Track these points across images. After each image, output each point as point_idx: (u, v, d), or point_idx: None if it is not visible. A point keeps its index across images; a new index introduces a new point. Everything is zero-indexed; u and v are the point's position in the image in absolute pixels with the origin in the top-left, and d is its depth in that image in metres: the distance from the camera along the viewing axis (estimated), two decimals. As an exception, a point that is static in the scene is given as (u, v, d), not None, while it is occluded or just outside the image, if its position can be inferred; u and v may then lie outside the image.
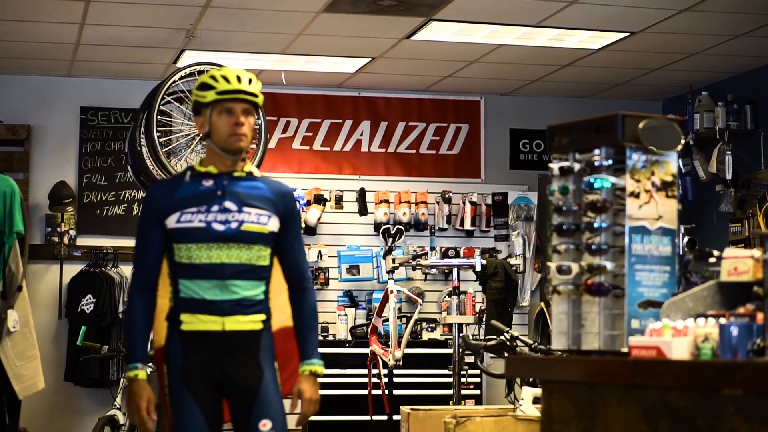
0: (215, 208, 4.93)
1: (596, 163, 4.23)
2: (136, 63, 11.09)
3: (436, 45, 10.35)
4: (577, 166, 4.32)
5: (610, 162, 4.21)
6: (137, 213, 11.69)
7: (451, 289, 10.29)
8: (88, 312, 11.25)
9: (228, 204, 4.95)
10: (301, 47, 10.49)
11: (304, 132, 12.19)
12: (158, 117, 8.99)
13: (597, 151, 4.25)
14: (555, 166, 4.40)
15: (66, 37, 10.13)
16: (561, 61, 11.00)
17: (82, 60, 10.99)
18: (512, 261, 11.48)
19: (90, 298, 11.28)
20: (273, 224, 5.00)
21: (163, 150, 8.97)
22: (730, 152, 10.87)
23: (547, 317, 11.11)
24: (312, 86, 12.16)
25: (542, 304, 11.64)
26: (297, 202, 5.19)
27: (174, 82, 9.09)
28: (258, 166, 9.25)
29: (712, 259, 4.25)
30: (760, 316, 3.67)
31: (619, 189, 4.18)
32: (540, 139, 12.54)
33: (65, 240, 11.55)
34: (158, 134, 8.93)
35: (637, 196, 4.17)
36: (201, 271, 4.90)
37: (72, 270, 11.51)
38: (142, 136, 9.02)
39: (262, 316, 5.01)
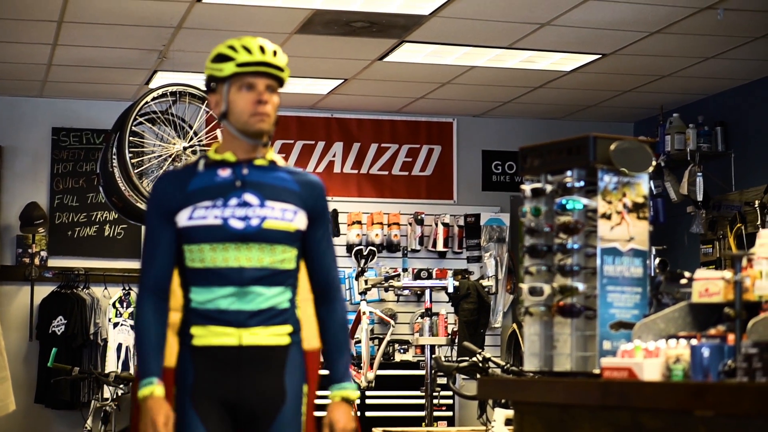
0: (233, 201, 4.20)
1: (568, 185, 4.24)
2: (109, 84, 11.07)
3: (408, 66, 10.37)
4: (549, 188, 4.33)
5: (582, 183, 4.22)
6: (109, 234, 11.67)
7: (423, 310, 10.28)
8: (59, 333, 11.19)
9: (248, 197, 4.22)
10: (274, 68, 10.46)
11: (276, 153, 12.15)
12: (130, 138, 8.95)
13: (569, 173, 4.26)
14: (527, 187, 4.42)
15: (38, 57, 10.10)
16: (533, 82, 11.03)
17: (54, 80, 10.96)
18: (485, 282, 11.49)
19: (61, 320, 11.22)
20: (300, 221, 4.27)
21: (136, 171, 8.94)
22: (701, 174, 10.91)
23: (520, 338, 11.11)
24: (285, 107, 12.15)
25: (514, 325, 11.64)
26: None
27: (146, 103, 9.07)
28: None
29: (683, 281, 4.26)
30: (731, 338, 3.68)
31: (591, 210, 4.19)
32: (512, 160, 12.56)
33: (36, 261, 11.49)
34: (130, 155, 8.90)
35: (608, 217, 4.18)
36: (215, 277, 4.18)
37: (43, 291, 11.45)
38: (114, 157, 8.99)
39: (288, 328, 4.26)
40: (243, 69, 4.23)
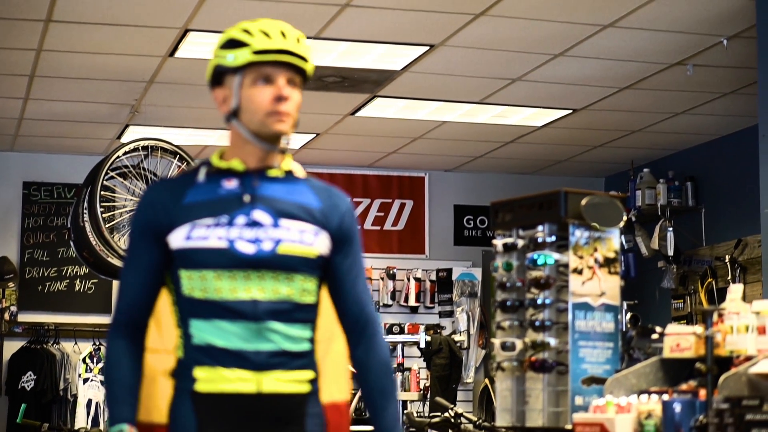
0: (241, 220, 3.43)
1: (539, 240, 4.25)
2: (80, 138, 11.05)
3: (380, 121, 10.40)
4: (520, 243, 4.34)
5: (554, 238, 4.23)
6: (79, 289, 11.61)
7: (395, 365, 10.24)
8: (28, 389, 11.10)
9: (259, 215, 3.44)
10: (246, 123, 10.48)
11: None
12: (102, 192, 8.93)
13: (540, 228, 4.27)
14: (499, 242, 4.43)
15: (9, 111, 10.08)
16: (504, 137, 11.08)
17: (25, 135, 10.93)
18: (457, 337, 11.46)
19: (30, 375, 11.13)
20: (321, 244, 3.48)
21: (107, 225, 8.92)
22: (671, 229, 10.95)
23: (492, 394, 11.08)
24: (257, 162, 12.13)
25: (487, 380, 11.61)
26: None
27: (118, 157, 9.06)
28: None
29: (654, 336, 4.26)
30: (702, 393, 3.68)
31: (563, 265, 4.20)
32: (484, 215, 12.59)
33: (6, 316, 11.41)
34: (102, 209, 8.87)
35: (580, 272, 4.19)
36: (223, 311, 3.40)
37: (12, 347, 11.36)
38: (85, 211, 8.97)
39: (310, 374, 3.48)
40: (260, 57, 3.42)
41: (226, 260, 3.40)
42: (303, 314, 3.45)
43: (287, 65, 3.43)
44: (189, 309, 3.43)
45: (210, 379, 3.40)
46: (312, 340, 3.49)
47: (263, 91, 3.40)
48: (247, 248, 3.40)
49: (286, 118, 3.41)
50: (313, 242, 3.45)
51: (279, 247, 3.41)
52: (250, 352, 3.38)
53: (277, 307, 3.40)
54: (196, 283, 3.41)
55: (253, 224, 3.42)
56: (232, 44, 3.46)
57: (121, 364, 3.44)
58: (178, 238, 3.41)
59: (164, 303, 3.53)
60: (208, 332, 3.40)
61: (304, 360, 3.45)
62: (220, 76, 3.49)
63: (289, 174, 3.53)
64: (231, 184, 3.46)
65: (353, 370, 3.63)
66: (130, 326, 3.47)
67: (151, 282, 3.48)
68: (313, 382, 3.48)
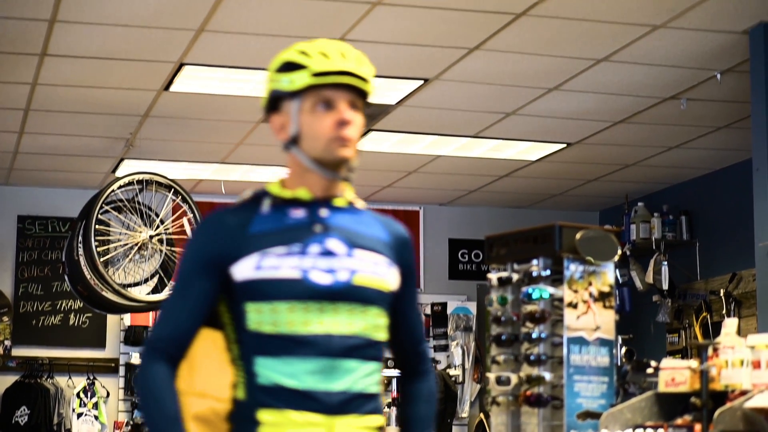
0: (314, 249, 3.20)
1: (534, 274, 4.25)
2: (75, 172, 11.04)
3: (375, 155, 10.40)
4: (515, 277, 4.33)
5: (548, 272, 4.23)
6: (74, 323, 11.58)
7: (390, 399, 10.21)
8: (22, 424, 11.05)
9: (333, 244, 3.23)
10: (241, 157, 10.50)
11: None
12: (96, 226, 8.92)
13: (535, 262, 4.27)
14: (494, 276, 4.42)
15: (4, 145, 10.08)
16: (499, 171, 11.08)
17: (20, 168, 10.93)
18: (451, 371, 11.44)
19: (24, 410, 11.09)
20: (393, 278, 3.29)
21: (102, 259, 8.90)
22: (666, 263, 10.94)
23: (487, 428, 11.04)
24: (251, 196, 12.14)
25: (482, 415, 11.57)
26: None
27: (113, 191, 9.05)
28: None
29: (649, 370, 4.25)
30: (697, 428, 3.67)
31: (557, 299, 4.19)
32: (479, 249, 12.58)
33: (0, 350, 11.37)
34: (96, 243, 8.86)
35: (575, 306, 4.18)
36: (295, 345, 3.14)
37: (6, 381, 11.32)
38: (80, 245, 8.95)
39: (380, 420, 3.26)
40: (319, 80, 3.19)
41: (301, 291, 3.15)
42: (374, 352, 3.23)
43: (348, 87, 3.22)
44: (255, 345, 3.16)
45: (276, 424, 3.12)
46: (378, 383, 3.27)
47: (324, 116, 3.20)
48: (322, 278, 3.17)
49: (350, 143, 3.23)
50: (386, 275, 3.26)
51: (355, 277, 3.20)
52: (321, 393, 3.12)
53: (351, 343, 3.17)
54: (265, 317, 3.15)
55: (327, 253, 3.20)
56: (289, 67, 3.23)
57: (166, 393, 3.15)
58: (245, 269, 3.17)
59: (198, 341, 3.26)
60: (275, 371, 3.13)
61: (376, 403, 3.22)
62: (276, 101, 3.26)
63: (351, 204, 3.36)
64: (298, 214, 3.25)
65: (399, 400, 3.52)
66: (168, 356, 3.18)
67: (198, 315, 3.21)
68: (382, 429, 3.27)
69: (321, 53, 3.20)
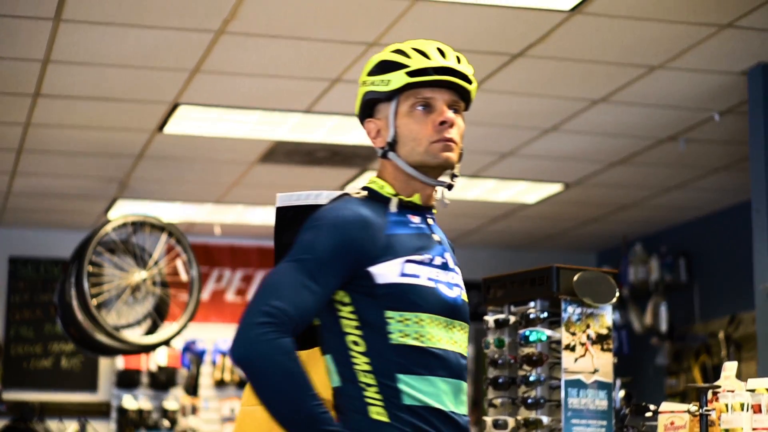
0: (438, 261, 2.98)
1: (531, 316, 4.20)
2: (68, 213, 11.00)
3: (371, 196, 10.35)
4: (512, 319, 4.28)
5: (546, 314, 4.18)
6: (65, 366, 11.49)
7: None
8: (12, 468, 10.96)
9: (448, 257, 3.03)
10: (236, 197, 10.46)
11: (237, 283, 12.10)
12: (89, 268, 8.87)
13: (532, 304, 4.22)
14: (490, 318, 4.38)
15: (-3, 186, 10.05)
16: (496, 213, 11.05)
17: (12, 209, 10.88)
18: (448, 414, 11.34)
19: (15, 454, 10.99)
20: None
21: (94, 301, 8.84)
22: (664, 304, 10.89)
23: (484, 472, 10.95)
24: (246, 237, 12.11)
25: (479, 458, 11.49)
26: None
27: (106, 233, 9.01)
28: (190, 319, 9.14)
29: (648, 414, 4.20)
30: (699, 473, 3.60)
31: (555, 342, 4.14)
32: (476, 290, 12.50)
33: (-9, 393, 11.31)
34: (89, 285, 8.80)
35: (572, 349, 4.12)
36: (435, 363, 2.86)
37: (-3, 424, 11.25)
38: (72, 287, 8.89)
39: None
40: (419, 79, 2.96)
41: (436, 303, 2.91)
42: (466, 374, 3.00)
43: (448, 87, 2.98)
44: (398, 360, 2.84)
45: None
46: None
47: (423, 117, 2.97)
48: (448, 292, 2.95)
49: (453, 145, 2.97)
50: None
51: (462, 294, 3.03)
52: (458, 416, 2.89)
53: (464, 363, 2.97)
54: (411, 328, 2.85)
55: (445, 267, 2.98)
56: (384, 68, 3.00)
57: (299, 368, 2.73)
58: (388, 273, 2.86)
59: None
60: (420, 390, 2.83)
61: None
62: (370, 105, 3.04)
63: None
64: (416, 220, 3.00)
65: None
66: (293, 332, 2.75)
67: (320, 307, 2.84)
68: None
69: (419, 51, 2.99)
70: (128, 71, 7.27)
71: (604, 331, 4.19)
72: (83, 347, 9.17)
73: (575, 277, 4.14)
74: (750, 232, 7.32)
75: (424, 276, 2.89)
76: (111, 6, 6.25)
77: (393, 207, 2.96)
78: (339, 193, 3.00)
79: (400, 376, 2.82)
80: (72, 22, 6.47)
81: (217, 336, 11.79)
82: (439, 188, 3.07)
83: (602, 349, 4.18)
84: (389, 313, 2.84)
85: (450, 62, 2.97)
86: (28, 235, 11.66)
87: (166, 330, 9.22)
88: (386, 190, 2.99)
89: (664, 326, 10.88)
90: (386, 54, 3.01)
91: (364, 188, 3.02)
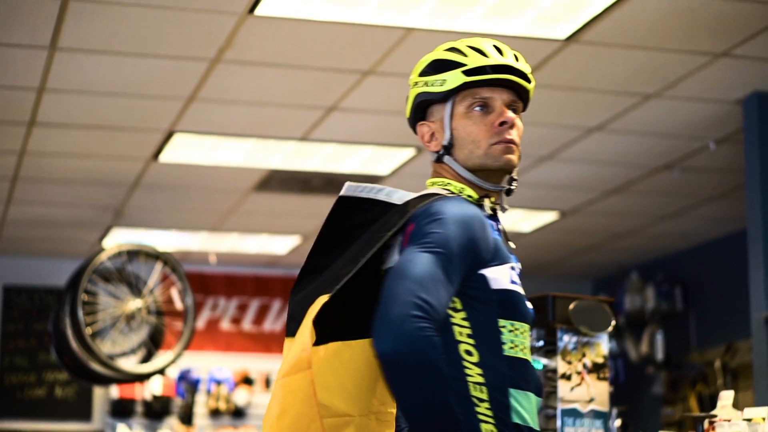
0: (516, 268, 2.80)
1: (527, 345, 4.17)
2: (62, 241, 10.97)
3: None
4: (507, 348, 4.25)
5: (542, 343, 4.15)
6: (60, 395, 11.44)
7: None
8: (6, 498, 10.91)
9: (519, 267, 2.85)
10: (231, 226, 10.44)
11: (232, 312, 12.07)
12: (84, 297, 8.85)
13: (527, 333, 4.19)
14: (485, 347, 4.34)
15: (-8, 215, 10.03)
16: (491, 241, 11.03)
17: (6, 238, 10.85)
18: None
19: (9, 484, 10.95)
20: None
21: (89, 330, 8.81)
22: (660, 333, 10.87)
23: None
24: (241, 265, 12.08)
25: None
26: None
27: (101, 262, 9.00)
28: (185, 347, 9.11)
29: (645, 444, 4.18)
30: (696, 504, 3.58)
31: (551, 371, 4.11)
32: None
33: (-16, 423, 11.26)
34: (83, 314, 8.78)
35: (568, 378, 4.10)
36: (532, 376, 2.71)
37: (-9, 454, 11.20)
38: (66, 315, 8.86)
39: None
40: (477, 78, 2.78)
41: (529, 315, 2.75)
42: None
43: (507, 86, 2.82)
44: (510, 373, 2.64)
45: None
46: None
47: (482, 118, 2.79)
48: (528, 303, 2.77)
49: (514, 147, 2.80)
50: None
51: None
52: None
53: None
54: (519, 339, 2.66)
55: (520, 275, 2.80)
56: (438, 67, 2.83)
57: (447, 373, 2.50)
58: (501, 277, 2.69)
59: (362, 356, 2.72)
60: (524, 406, 2.65)
61: None
62: (423, 107, 2.87)
63: None
64: (494, 225, 2.78)
65: None
66: (438, 331, 2.50)
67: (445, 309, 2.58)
68: None
69: (475, 49, 2.82)
70: (123, 99, 7.27)
71: (600, 360, 4.18)
72: (78, 376, 9.13)
73: (571, 306, 4.13)
74: (746, 260, 7.30)
75: (517, 286, 2.72)
76: (106, 34, 6.25)
77: (488, 209, 2.78)
78: (414, 194, 2.80)
79: (512, 391, 2.62)
80: (67, 51, 6.47)
81: (211, 365, 11.76)
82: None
83: (598, 378, 4.17)
84: (502, 322, 2.65)
85: (508, 60, 2.82)
86: (22, 263, 11.63)
87: (160, 359, 9.19)
88: (467, 192, 2.80)
89: (660, 355, 10.85)
90: (440, 53, 2.85)
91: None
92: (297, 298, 2.85)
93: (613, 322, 4.20)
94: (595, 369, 4.16)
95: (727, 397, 3.92)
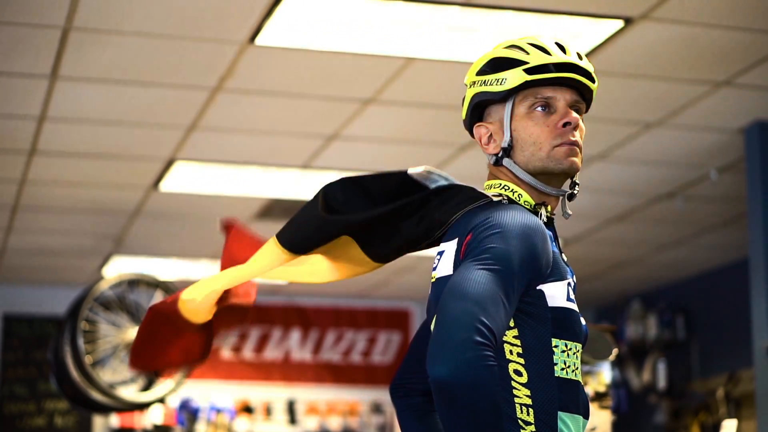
0: (572, 284, 2.60)
1: (528, 375, 4.15)
2: (63, 269, 10.96)
3: (367, 253, 10.32)
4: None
5: (543, 373, 4.13)
6: (59, 425, 11.40)
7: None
8: None
9: (575, 281, 2.64)
10: (232, 255, 10.42)
11: (233, 340, 12.05)
12: (84, 325, 8.84)
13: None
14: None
15: (-8, 243, 10.02)
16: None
17: (6, 266, 10.84)
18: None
19: None
20: None
21: (89, 359, 8.79)
22: (663, 362, 10.83)
23: None
24: (243, 294, 12.07)
25: None
26: None
27: (101, 290, 8.99)
28: (185, 376, 9.08)
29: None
30: None
31: (553, 401, 4.09)
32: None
33: (-16, 452, 11.22)
34: (83, 342, 8.76)
35: (570, 408, 4.08)
36: (582, 399, 2.55)
37: (-10, 484, 11.15)
38: (66, 344, 8.84)
39: None
40: (540, 76, 2.62)
41: (583, 336, 2.57)
42: None
43: (570, 85, 2.65)
44: (560, 395, 2.49)
45: None
46: None
47: (544, 118, 2.63)
48: (582, 320, 2.59)
49: (577, 149, 2.65)
50: None
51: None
52: None
53: None
54: (571, 359, 2.51)
55: (574, 290, 2.59)
56: (497, 65, 2.66)
57: (500, 401, 2.34)
58: (558, 294, 2.52)
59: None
60: (571, 429, 2.50)
61: None
62: (480, 108, 2.70)
63: None
64: (552, 236, 2.63)
65: None
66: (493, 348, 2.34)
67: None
68: None
69: (536, 46, 2.65)
70: (124, 128, 7.27)
71: (603, 389, 4.16)
72: (78, 405, 9.11)
73: (573, 336, 4.11)
74: (748, 289, 7.28)
75: (573, 304, 2.55)
76: (107, 63, 6.25)
77: (544, 217, 2.62)
78: (484, 191, 2.68)
79: (561, 414, 2.47)
80: (68, 80, 6.47)
81: (212, 393, 11.72)
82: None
83: (600, 407, 4.15)
84: (555, 341, 2.49)
85: (572, 58, 2.64)
86: (22, 292, 11.61)
87: (161, 387, 9.16)
88: (524, 199, 2.64)
89: (662, 384, 10.81)
90: (499, 50, 2.67)
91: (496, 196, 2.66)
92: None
93: (615, 351, 4.19)
94: (598, 398, 4.14)
95: (730, 426, 3.90)
